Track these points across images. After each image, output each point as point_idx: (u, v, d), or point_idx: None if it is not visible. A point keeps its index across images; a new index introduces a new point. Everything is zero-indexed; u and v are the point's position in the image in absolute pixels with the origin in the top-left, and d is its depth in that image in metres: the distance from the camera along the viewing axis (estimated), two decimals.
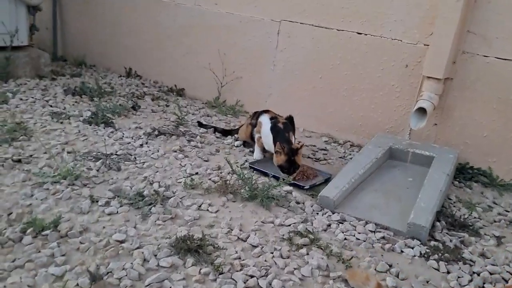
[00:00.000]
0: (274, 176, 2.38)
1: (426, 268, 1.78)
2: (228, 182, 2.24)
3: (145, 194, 2.08)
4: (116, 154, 2.51)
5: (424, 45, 2.76)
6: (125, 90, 3.84)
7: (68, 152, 2.45)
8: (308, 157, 2.83)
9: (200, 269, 1.58)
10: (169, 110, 3.47)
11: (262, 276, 1.59)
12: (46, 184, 2.05)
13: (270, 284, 1.56)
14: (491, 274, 1.76)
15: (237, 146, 2.89)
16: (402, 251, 1.87)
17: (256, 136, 2.68)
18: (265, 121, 2.61)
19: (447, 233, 2.04)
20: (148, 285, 1.48)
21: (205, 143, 2.87)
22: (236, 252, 1.71)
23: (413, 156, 2.70)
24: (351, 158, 2.84)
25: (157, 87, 4.11)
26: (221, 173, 2.44)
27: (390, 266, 1.75)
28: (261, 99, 3.53)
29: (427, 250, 1.88)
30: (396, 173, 2.60)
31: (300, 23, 3.23)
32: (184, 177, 2.33)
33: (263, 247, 1.77)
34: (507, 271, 1.79)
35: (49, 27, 4.70)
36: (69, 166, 2.22)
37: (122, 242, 1.69)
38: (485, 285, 1.70)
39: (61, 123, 2.89)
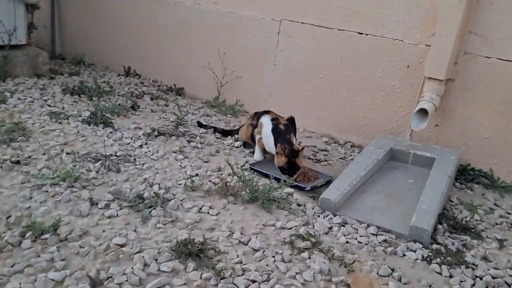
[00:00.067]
0: (275, 178, 2.37)
1: (429, 272, 1.77)
2: (228, 184, 2.23)
3: (145, 196, 2.06)
4: (116, 155, 2.49)
5: (426, 45, 2.75)
6: (124, 90, 3.82)
7: (67, 153, 2.43)
8: (309, 158, 2.81)
9: (202, 273, 1.57)
10: (168, 110, 3.45)
11: (264, 281, 1.58)
12: (45, 186, 2.03)
13: None
14: (493, 278, 1.75)
15: (237, 147, 2.87)
16: (404, 255, 1.86)
17: (257, 137, 2.66)
18: (266, 122, 2.59)
19: (449, 236, 2.03)
20: None
21: (205, 144, 2.85)
22: (238, 256, 1.70)
23: (414, 157, 2.68)
24: (352, 159, 2.83)
25: (156, 86, 4.09)
26: (221, 174, 2.42)
27: (393, 270, 1.74)
28: (261, 99, 3.51)
29: (429, 254, 1.87)
30: (397, 174, 2.59)
31: (301, 22, 3.21)
32: (184, 178, 2.31)
33: (264, 251, 1.76)
34: (509, 275, 1.78)
35: (47, 25, 4.67)
36: (68, 168, 2.20)
37: (122, 246, 1.68)
38: None
39: (60, 123, 2.87)
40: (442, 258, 1.84)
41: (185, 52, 3.91)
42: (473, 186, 2.65)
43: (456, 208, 2.33)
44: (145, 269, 1.56)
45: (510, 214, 2.35)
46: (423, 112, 2.64)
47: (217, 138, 2.99)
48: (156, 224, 1.86)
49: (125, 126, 2.97)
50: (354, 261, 1.75)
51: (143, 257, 1.61)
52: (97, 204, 1.96)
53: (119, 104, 3.30)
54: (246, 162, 2.63)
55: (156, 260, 1.62)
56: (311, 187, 2.35)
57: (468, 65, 2.66)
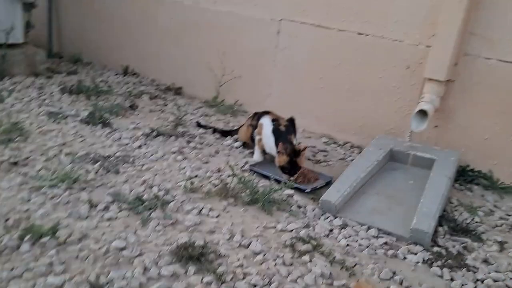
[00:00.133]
0: (275, 179, 2.35)
1: (430, 275, 1.76)
2: (228, 185, 2.22)
3: (145, 198, 2.05)
4: (114, 156, 2.47)
5: (426, 46, 2.74)
6: (122, 89, 3.80)
7: (66, 154, 2.41)
8: (309, 159, 2.80)
9: (202, 278, 1.55)
10: (167, 110, 3.43)
11: (265, 285, 1.57)
12: (43, 188, 2.02)
13: None
14: (495, 281, 1.74)
15: (236, 147, 2.86)
16: (405, 258, 1.85)
17: (257, 138, 2.64)
18: (266, 123, 2.58)
19: (449, 239, 2.03)
20: None
21: (204, 144, 2.84)
22: (239, 260, 1.69)
23: (414, 158, 2.67)
24: (351, 160, 2.82)
25: (155, 85, 4.06)
26: (221, 175, 2.41)
27: (394, 273, 1.73)
28: (261, 99, 3.50)
29: (430, 257, 1.86)
30: (397, 175, 2.59)
31: (301, 22, 3.20)
32: (184, 180, 2.29)
33: (265, 254, 1.74)
34: (510, 278, 1.78)
35: (45, 23, 4.63)
36: (67, 169, 2.19)
37: (122, 249, 1.66)
38: None
39: (58, 123, 2.85)
40: (443, 261, 1.84)
41: (184, 51, 3.89)
42: (473, 187, 2.65)
43: (456, 210, 2.33)
44: (146, 273, 1.55)
45: (510, 216, 2.34)
46: (423, 113, 2.63)
47: (216, 138, 2.98)
48: (156, 227, 1.85)
49: (124, 126, 2.95)
50: (355, 265, 1.75)
51: (143, 261, 1.60)
52: (96, 206, 1.94)
53: (117, 104, 3.28)
54: (246, 163, 2.62)
55: (156, 264, 1.60)
56: (311, 189, 2.34)
57: (469, 66, 2.65)
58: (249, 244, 1.80)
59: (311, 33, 3.16)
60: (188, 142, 2.82)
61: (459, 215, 2.24)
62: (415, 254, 1.88)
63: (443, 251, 1.91)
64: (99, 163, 2.33)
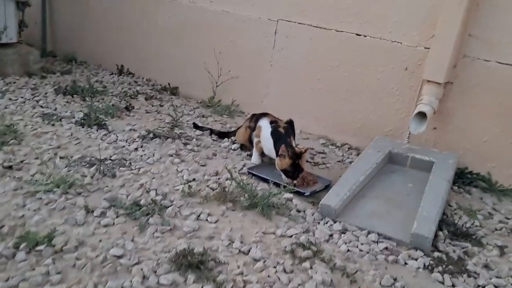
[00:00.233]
0: (274, 183, 2.33)
1: (431, 281, 1.75)
2: (226, 189, 2.19)
3: (142, 203, 2.01)
4: (111, 159, 2.44)
5: (425, 48, 2.72)
6: (117, 89, 3.75)
7: (61, 158, 2.37)
8: (307, 161, 2.77)
9: (202, 286, 1.53)
10: (163, 111, 3.39)
11: None
12: (38, 193, 1.98)
13: None
14: (495, 287, 1.74)
15: (234, 150, 2.83)
16: (406, 263, 1.84)
17: (255, 140, 2.62)
18: (265, 125, 2.55)
19: (450, 243, 2.02)
20: None
21: (201, 146, 2.81)
22: (238, 267, 1.66)
23: (412, 160, 2.66)
24: (350, 162, 2.81)
25: (150, 85, 4.02)
26: (219, 179, 2.39)
27: (395, 279, 1.72)
28: (258, 99, 3.47)
29: (431, 262, 1.85)
30: (395, 178, 2.57)
31: (298, 23, 3.17)
32: (181, 183, 2.27)
33: (265, 261, 1.72)
34: (511, 284, 1.77)
35: (38, 22, 4.56)
36: (62, 173, 2.15)
37: (119, 257, 1.63)
38: None
39: (53, 125, 2.81)
40: (444, 266, 1.83)
41: (180, 51, 3.85)
42: (471, 190, 2.64)
43: (455, 213, 2.32)
44: (144, 282, 1.52)
45: (509, 219, 2.34)
46: (422, 115, 2.61)
47: (213, 140, 2.95)
48: (153, 233, 1.82)
49: (120, 128, 2.91)
50: (356, 271, 1.73)
51: (141, 269, 1.57)
52: (92, 212, 1.91)
53: (112, 105, 3.24)
54: (244, 165, 2.59)
55: (155, 272, 1.57)
56: (310, 193, 2.32)
57: (467, 68, 2.64)
58: (248, 251, 1.77)
59: (309, 34, 3.14)
60: (185, 144, 2.79)
61: (459, 218, 2.23)
62: (416, 259, 1.86)
63: (444, 256, 1.90)
64: (95, 166, 2.29)
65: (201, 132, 3.03)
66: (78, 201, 1.97)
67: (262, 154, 2.63)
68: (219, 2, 3.52)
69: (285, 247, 1.83)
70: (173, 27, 3.84)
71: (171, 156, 2.59)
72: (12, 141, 2.46)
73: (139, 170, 2.36)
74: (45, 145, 2.50)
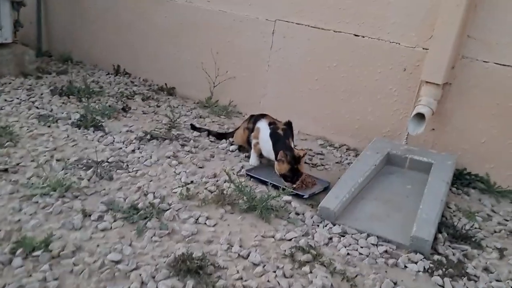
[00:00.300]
0: (273, 185, 2.32)
1: (431, 285, 1.74)
2: (225, 192, 2.17)
3: (140, 206, 1.99)
4: (108, 162, 2.41)
5: (423, 49, 2.71)
6: (114, 90, 3.72)
7: (57, 160, 2.35)
8: (305, 163, 2.76)
9: None
10: (160, 112, 3.37)
11: None
12: (35, 196, 1.95)
13: None
14: None
15: (232, 151, 2.81)
16: (405, 267, 1.83)
17: (253, 141, 2.60)
18: (263, 127, 2.54)
19: (449, 246, 2.01)
20: None
21: (199, 148, 2.79)
22: (238, 272, 1.65)
23: (411, 162, 2.66)
24: (348, 164, 2.80)
25: (147, 85, 4.00)
26: (217, 181, 2.37)
27: (395, 283, 1.71)
28: (255, 100, 3.46)
29: (431, 265, 1.84)
30: (394, 180, 2.56)
31: (296, 23, 3.15)
32: (179, 186, 2.25)
33: (265, 265, 1.71)
34: (511, 287, 1.77)
35: (33, 21, 4.52)
36: (59, 176, 2.12)
37: (117, 262, 1.61)
38: None
39: (49, 126, 2.78)
40: (444, 269, 1.82)
41: (177, 51, 3.83)
42: (469, 191, 2.63)
43: (454, 215, 2.31)
44: None
45: (507, 221, 2.33)
46: (420, 116, 2.61)
47: (211, 141, 2.93)
48: (152, 237, 1.80)
49: (116, 129, 2.89)
50: (356, 275, 1.72)
51: (140, 274, 1.56)
52: (90, 215, 1.89)
53: (109, 106, 3.21)
54: (242, 167, 2.58)
55: (153, 278, 1.56)
56: (309, 195, 2.31)
57: (466, 70, 2.63)
58: (248, 255, 1.76)
59: (307, 34, 3.12)
60: (183, 145, 2.77)
61: (458, 220, 2.23)
62: (416, 262, 1.85)
63: (444, 259, 1.89)
64: (92, 169, 2.27)
65: (199, 133, 3.01)
66: (75, 204, 1.95)
67: (260, 155, 2.62)
68: (216, 2, 3.50)
69: (285, 251, 1.82)
70: (170, 27, 3.81)
71: (169, 158, 2.57)
72: (7, 143, 2.43)
73: (136, 173, 2.34)
74: (41, 147, 2.47)
